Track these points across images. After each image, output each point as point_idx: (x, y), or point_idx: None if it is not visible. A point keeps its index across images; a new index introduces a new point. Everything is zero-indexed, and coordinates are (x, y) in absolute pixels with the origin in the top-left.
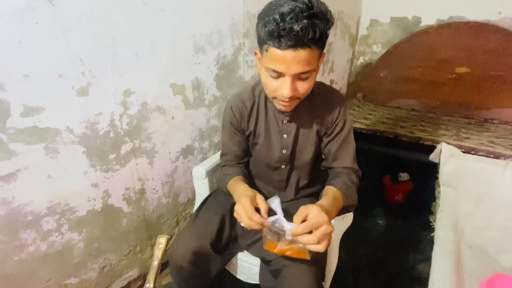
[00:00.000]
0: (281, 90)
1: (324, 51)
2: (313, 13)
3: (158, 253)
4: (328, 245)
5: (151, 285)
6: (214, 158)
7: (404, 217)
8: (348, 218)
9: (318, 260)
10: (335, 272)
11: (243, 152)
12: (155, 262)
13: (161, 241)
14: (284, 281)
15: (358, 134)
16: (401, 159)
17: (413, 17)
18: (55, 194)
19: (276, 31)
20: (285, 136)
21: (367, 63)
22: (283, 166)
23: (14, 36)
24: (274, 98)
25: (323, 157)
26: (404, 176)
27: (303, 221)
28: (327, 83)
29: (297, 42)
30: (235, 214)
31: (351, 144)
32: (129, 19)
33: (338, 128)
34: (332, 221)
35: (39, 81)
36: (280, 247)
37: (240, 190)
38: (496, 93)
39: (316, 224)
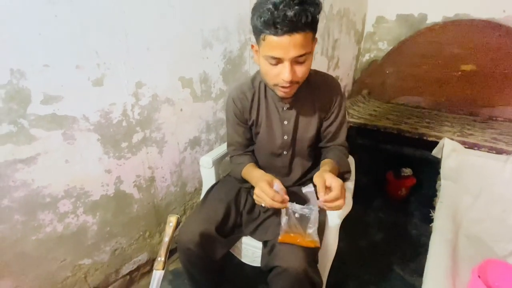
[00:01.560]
0: (282, 76)
1: (329, 47)
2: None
3: (169, 230)
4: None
5: (162, 258)
6: (221, 149)
7: (406, 211)
8: (347, 206)
9: None
10: (336, 263)
11: (248, 141)
12: (166, 239)
13: (172, 219)
14: (276, 256)
15: (363, 130)
16: (404, 155)
17: (419, 14)
18: (71, 178)
19: (271, 19)
20: (285, 122)
21: (373, 60)
22: (285, 152)
23: (34, 28)
24: (275, 85)
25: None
26: (407, 172)
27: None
28: None
29: (292, 27)
30: (254, 197)
31: (346, 124)
32: (141, 14)
33: (336, 111)
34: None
35: (58, 71)
36: (294, 236)
37: (257, 176)
38: (501, 91)
39: (339, 187)
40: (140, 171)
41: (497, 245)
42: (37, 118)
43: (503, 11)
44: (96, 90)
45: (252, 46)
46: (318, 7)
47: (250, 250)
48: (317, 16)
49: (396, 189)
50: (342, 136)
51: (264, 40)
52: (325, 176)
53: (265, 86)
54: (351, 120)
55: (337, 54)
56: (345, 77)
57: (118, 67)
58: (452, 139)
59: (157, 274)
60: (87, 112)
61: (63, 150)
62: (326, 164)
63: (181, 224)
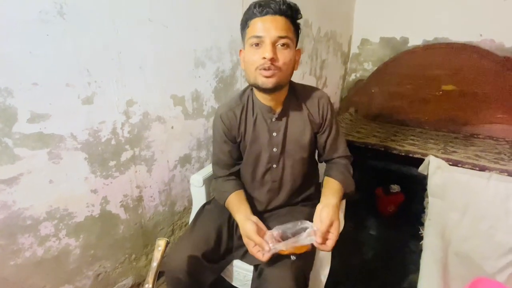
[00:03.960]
0: (263, 54)
1: (317, 67)
2: None
3: (157, 255)
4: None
5: (150, 285)
6: (211, 167)
7: (396, 228)
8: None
9: (298, 263)
10: (328, 282)
11: (233, 161)
12: (154, 264)
13: (160, 243)
14: (265, 280)
15: (351, 147)
16: (392, 171)
17: (401, 37)
18: (55, 199)
19: (257, 4)
20: (274, 134)
21: (359, 79)
22: (274, 166)
23: (25, 46)
24: (257, 69)
25: (320, 152)
26: (396, 188)
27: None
28: None
29: (274, 9)
30: (249, 251)
31: (341, 133)
32: (135, 34)
33: (329, 122)
34: None
35: (47, 90)
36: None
37: (239, 218)
38: (481, 110)
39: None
40: (128, 191)
41: (486, 263)
42: (22, 137)
43: (480, 35)
44: (85, 108)
45: (240, 51)
46: (296, 6)
47: (241, 274)
48: (298, 14)
49: (386, 206)
50: (342, 147)
51: (249, 27)
52: (332, 221)
53: (253, 98)
54: None
55: (324, 74)
56: (332, 96)
57: (110, 85)
58: (436, 156)
59: None
60: (75, 131)
61: (47, 170)
62: (333, 194)
63: (169, 247)
